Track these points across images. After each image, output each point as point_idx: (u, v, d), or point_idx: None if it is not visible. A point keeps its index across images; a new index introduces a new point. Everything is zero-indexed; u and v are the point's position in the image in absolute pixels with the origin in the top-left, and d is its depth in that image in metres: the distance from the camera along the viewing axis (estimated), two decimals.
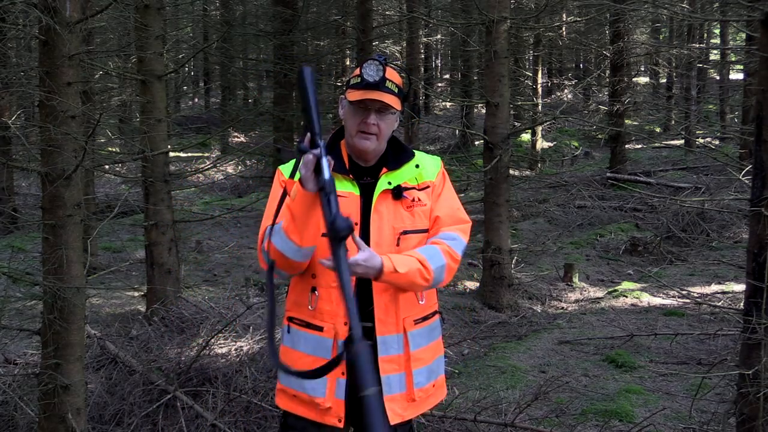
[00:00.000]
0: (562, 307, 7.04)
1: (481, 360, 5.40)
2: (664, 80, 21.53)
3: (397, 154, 2.37)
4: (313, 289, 2.28)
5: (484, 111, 7.12)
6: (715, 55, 23.53)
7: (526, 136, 17.42)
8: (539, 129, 16.53)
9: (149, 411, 3.83)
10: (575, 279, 7.73)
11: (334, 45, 15.34)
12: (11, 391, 3.76)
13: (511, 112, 10.45)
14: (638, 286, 7.44)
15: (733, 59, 18.34)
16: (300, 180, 2.04)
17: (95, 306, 6.61)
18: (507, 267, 6.95)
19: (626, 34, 13.34)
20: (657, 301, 6.91)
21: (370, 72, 2.23)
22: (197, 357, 4.12)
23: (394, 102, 2.26)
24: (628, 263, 8.54)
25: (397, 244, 2.26)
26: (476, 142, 17.56)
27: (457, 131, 18.67)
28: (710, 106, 19.29)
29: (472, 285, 7.52)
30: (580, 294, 7.42)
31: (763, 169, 2.97)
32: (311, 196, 2.05)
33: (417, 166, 2.35)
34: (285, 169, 2.37)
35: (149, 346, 4.51)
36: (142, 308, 6.14)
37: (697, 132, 17.13)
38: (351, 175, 2.31)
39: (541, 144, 17.09)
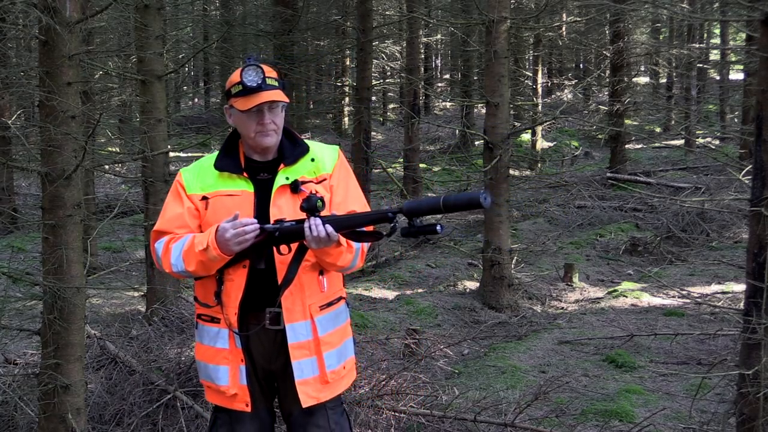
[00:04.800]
0: (562, 307, 7.04)
1: (481, 360, 5.40)
2: (664, 80, 21.53)
3: (293, 148, 2.47)
4: (219, 284, 2.39)
5: (484, 111, 7.12)
6: (715, 55, 23.51)
7: (526, 136, 17.42)
8: (539, 129, 16.52)
9: (149, 411, 3.83)
10: (575, 279, 7.73)
11: (334, 45, 15.36)
12: (11, 391, 3.76)
13: (511, 112, 10.47)
14: (638, 286, 7.43)
15: (733, 59, 18.31)
16: (225, 249, 2.24)
17: (95, 306, 6.61)
18: (507, 267, 6.95)
19: (626, 34, 13.33)
20: (657, 301, 6.91)
21: (251, 77, 2.35)
22: None
23: (280, 96, 2.39)
24: (628, 263, 8.54)
25: None
26: (476, 142, 17.55)
27: (457, 131, 18.67)
28: (710, 106, 19.28)
29: (472, 285, 7.52)
30: (580, 294, 7.42)
31: (763, 169, 2.97)
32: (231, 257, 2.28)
33: (312, 159, 2.46)
34: (186, 172, 2.49)
35: (149, 346, 4.51)
36: (142, 308, 6.14)
37: (697, 132, 17.13)
38: (245, 173, 2.42)
39: (541, 144, 17.09)
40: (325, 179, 2.43)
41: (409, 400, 4.07)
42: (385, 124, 23.74)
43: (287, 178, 2.39)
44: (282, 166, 2.42)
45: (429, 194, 13.44)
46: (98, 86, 8.99)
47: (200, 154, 16.42)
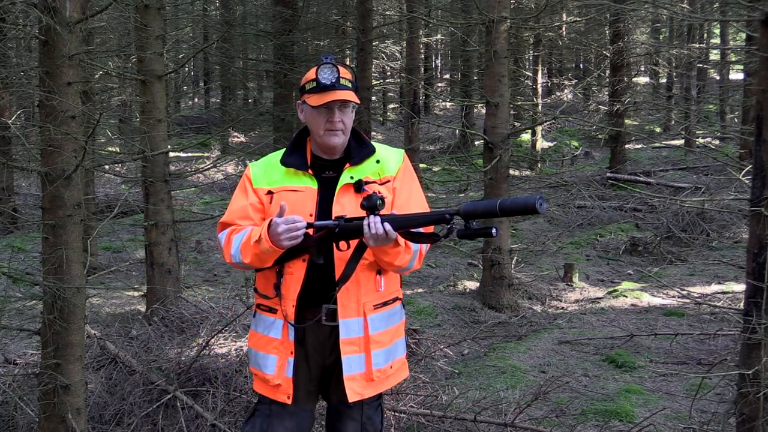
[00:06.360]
0: (562, 307, 7.04)
1: (481, 360, 5.40)
2: (664, 80, 21.52)
3: (359, 149, 2.53)
4: (279, 276, 2.45)
5: (484, 111, 7.12)
6: (715, 55, 23.52)
7: (526, 136, 17.42)
8: (539, 129, 16.52)
9: (149, 411, 3.83)
10: (575, 279, 7.73)
11: (334, 45, 15.32)
12: (11, 391, 3.76)
13: (511, 112, 10.45)
14: (638, 286, 7.44)
15: (733, 59, 18.31)
16: (276, 242, 2.29)
17: (95, 306, 6.61)
18: (507, 267, 6.95)
19: (626, 34, 13.33)
20: (657, 301, 6.91)
21: (326, 75, 2.41)
22: (197, 357, 4.12)
23: (352, 97, 2.43)
24: (628, 263, 8.54)
25: None
26: (476, 142, 17.55)
27: (457, 131, 18.68)
28: (710, 106, 19.28)
29: (472, 285, 7.52)
30: (580, 294, 7.42)
31: (763, 169, 2.97)
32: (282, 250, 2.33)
33: (378, 161, 2.52)
34: (254, 167, 2.56)
35: (149, 346, 4.51)
36: (142, 308, 6.14)
37: (697, 132, 17.12)
38: (310, 170, 2.48)
39: (541, 144, 17.09)
40: (388, 181, 2.49)
41: (409, 400, 4.07)
42: (385, 124, 23.74)
43: (352, 177, 2.45)
44: (347, 165, 2.48)
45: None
46: (98, 86, 8.99)
47: (200, 154, 16.44)
